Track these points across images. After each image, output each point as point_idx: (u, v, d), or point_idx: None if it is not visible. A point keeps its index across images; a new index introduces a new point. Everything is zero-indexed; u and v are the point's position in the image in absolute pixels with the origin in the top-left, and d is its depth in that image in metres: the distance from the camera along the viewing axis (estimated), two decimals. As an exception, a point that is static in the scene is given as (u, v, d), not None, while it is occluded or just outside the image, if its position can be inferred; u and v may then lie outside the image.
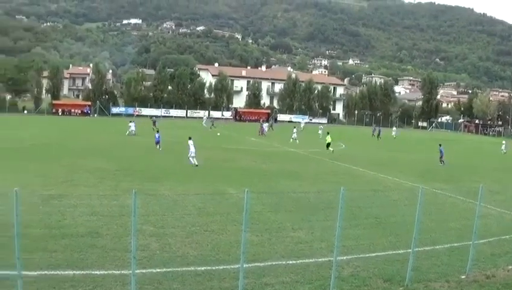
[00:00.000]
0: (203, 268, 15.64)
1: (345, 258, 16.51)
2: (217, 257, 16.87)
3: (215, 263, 16.13)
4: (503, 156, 63.45)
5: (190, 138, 39.56)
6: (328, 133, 54.65)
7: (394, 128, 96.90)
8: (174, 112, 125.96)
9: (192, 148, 38.35)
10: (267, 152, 52.18)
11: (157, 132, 52.03)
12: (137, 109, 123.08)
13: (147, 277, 14.63)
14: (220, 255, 16.99)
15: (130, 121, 67.47)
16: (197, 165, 37.46)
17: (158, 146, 49.32)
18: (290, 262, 16.56)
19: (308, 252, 17.73)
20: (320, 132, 75.60)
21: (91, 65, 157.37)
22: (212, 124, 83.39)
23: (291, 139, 63.56)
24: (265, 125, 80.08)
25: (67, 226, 19.42)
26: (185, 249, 17.43)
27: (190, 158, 38.11)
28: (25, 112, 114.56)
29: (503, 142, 69.49)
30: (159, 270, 15.27)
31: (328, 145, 52.93)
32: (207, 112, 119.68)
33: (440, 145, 48.53)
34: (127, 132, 64.49)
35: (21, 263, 12.32)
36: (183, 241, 18.25)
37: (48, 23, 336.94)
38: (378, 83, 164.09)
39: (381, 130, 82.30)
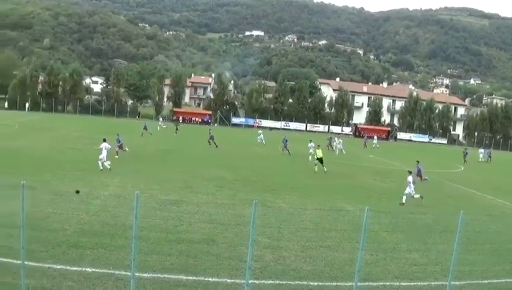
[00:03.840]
0: (316, 283, 15.59)
1: (458, 283, 16.05)
2: (330, 273, 16.74)
3: (328, 279, 16.03)
4: None
5: (105, 140, 36.27)
6: (318, 147, 47.16)
7: (481, 150, 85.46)
8: (293, 125, 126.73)
9: (104, 153, 34.68)
10: (387, 170, 51.29)
11: (117, 135, 46.94)
12: (258, 120, 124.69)
13: (260, 287, 14.75)
14: (334, 272, 16.84)
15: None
16: (109, 169, 34.30)
17: (117, 153, 43.22)
18: (403, 284, 16.32)
19: (422, 275, 17.30)
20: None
21: (213, 75, 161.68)
22: (177, 128, 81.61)
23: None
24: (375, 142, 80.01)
25: (184, 232, 19.92)
26: (299, 263, 17.40)
27: (99, 162, 34.31)
28: (137, 117, 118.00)
29: None
30: (271, 282, 15.35)
31: (321, 160, 44.07)
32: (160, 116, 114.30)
33: (418, 162, 42.16)
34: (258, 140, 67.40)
35: (135, 265, 12.69)
36: (298, 255, 18.23)
37: (171, 32, 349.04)
38: (499, 105, 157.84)
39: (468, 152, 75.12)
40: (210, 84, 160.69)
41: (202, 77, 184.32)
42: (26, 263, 12.96)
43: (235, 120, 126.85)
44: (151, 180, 31.74)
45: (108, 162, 34.99)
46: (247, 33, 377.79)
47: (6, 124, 69.02)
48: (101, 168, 34.11)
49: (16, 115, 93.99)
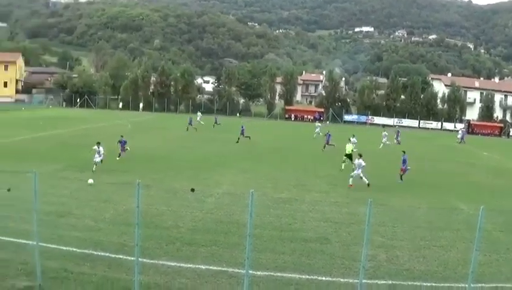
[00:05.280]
0: (429, 284, 15.42)
1: None
2: (443, 273, 16.55)
3: (441, 280, 15.85)
4: None
5: (99, 143, 33.88)
6: (349, 140, 45.17)
7: None
8: (406, 122, 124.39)
9: (97, 155, 33.24)
10: (500, 168, 49.29)
11: (121, 136, 41.30)
12: (370, 117, 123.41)
13: (372, 287, 14.73)
14: (447, 273, 16.65)
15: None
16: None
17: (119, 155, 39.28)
18: (515, 286, 15.90)
19: (534, 278, 16.80)
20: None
21: (324, 72, 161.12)
22: (216, 122, 79.58)
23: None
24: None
25: (297, 230, 20.12)
26: (412, 263, 17.30)
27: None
28: (238, 114, 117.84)
29: None
30: (384, 282, 15.32)
31: (350, 156, 38.82)
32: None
33: (404, 152, 36.97)
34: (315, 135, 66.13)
35: (249, 263, 12.91)
36: (411, 255, 18.12)
37: (280, 30, 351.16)
38: None
39: None
40: (321, 81, 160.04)
41: (313, 74, 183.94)
42: (140, 259, 13.48)
43: (347, 117, 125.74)
44: (263, 178, 32.32)
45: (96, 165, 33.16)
46: (356, 29, 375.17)
47: (119, 124, 71.36)
48: (94, 169, 32.15)
49: (128, 115, 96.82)
